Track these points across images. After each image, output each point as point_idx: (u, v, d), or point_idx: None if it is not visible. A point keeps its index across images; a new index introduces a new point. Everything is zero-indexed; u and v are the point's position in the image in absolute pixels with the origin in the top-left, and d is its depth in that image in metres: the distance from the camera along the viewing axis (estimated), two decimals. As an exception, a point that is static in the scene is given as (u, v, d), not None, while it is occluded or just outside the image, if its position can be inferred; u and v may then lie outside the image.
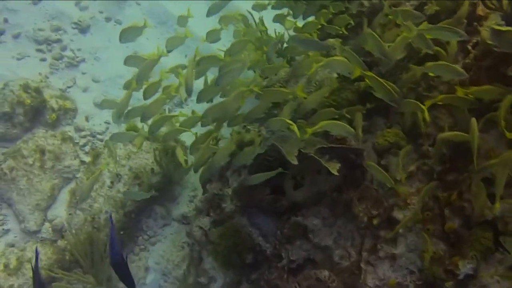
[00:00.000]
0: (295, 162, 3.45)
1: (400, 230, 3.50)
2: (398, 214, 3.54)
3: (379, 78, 3.33)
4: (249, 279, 4.24)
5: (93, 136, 5.88)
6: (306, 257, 3.92)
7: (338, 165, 3.50)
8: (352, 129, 3.39)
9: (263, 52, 4.77)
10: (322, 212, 3.89)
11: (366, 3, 4.76)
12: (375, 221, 3.51)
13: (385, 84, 3.29)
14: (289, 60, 5.18)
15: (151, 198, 5.26)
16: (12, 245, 5.15)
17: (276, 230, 4.13)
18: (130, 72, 5.66)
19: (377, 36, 3.46)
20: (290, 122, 3.69)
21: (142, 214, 5.31)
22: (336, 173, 3.48)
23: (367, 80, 3.40)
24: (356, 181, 3.77)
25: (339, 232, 3.81)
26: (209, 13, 4.73)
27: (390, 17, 4.17)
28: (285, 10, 4.94)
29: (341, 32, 4.50)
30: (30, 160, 5.37)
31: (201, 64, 4.07)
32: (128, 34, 4.28)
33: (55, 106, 5.88)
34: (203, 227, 4.62)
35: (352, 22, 4.62)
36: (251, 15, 5.36)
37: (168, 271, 5.06)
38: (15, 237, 5.22)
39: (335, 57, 3.49)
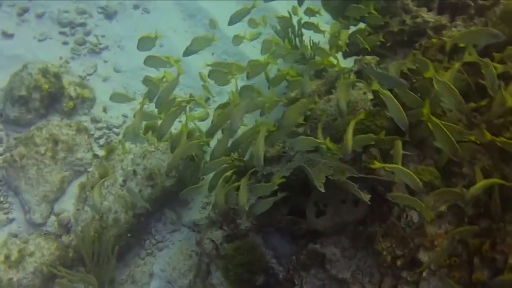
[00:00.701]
0: (323, 189, 3.39)
1: (424, 273, 3.42)
2: (423, 256, 3.47)
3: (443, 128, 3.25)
4: (258, 302, 4.21)
5: (109, 129, 5.88)
6: (321, 287, 3.87)
7: (369, 195, 3.43)
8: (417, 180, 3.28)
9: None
10: (343, 242, 3.84)
11: (408, 21, 4.68)
12: (399, 262, 3.44)
13: (450, 136, 3.21)
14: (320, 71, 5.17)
15: (163, 202, 5.27)
16: (15, 236, 5.18)
17: (292, 254, 4.09)
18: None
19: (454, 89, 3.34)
20: (321, 140, 3.66)
21: (151, 217, 5.29)
22: (368, 202, 3.42)
23: (429, 125, 3.31)
24: (382, 216, 3.70)
25: (358, 266, 3.75)
26: (231, 22, 4.79)
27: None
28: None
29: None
30: (42, 149, 5.38)
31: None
32: (144, 44, 4.33)
33: (73, 94, 5.88)
34: (215, 241, 4.58)
35: (382, 40, 4.66)
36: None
37: (174, 279, 5.04)
38: (19, 227, 5.26)
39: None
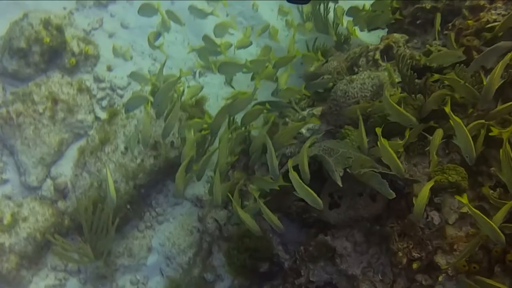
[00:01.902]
0: (340, 183, 3.34)
1: (440, 278, 3.40)
2: (441, 260, 3.44)
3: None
4: (260, 289, 4.24)
5: (113, 90, 5.81)
6: (328, 281, 3.89)
7: (393, 193, 3.36)
8: None
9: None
10: (356, 236, 3.82)
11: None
12: (415, 265, 3.41)
13: (469, 137, 3.15)
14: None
15: (166, 173, 5.25)
16: (9, 198, 5.20)
17: (300, 243, 4.08)
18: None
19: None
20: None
21: (153, 189, 5.29)
22: (392, 196, 3.36)
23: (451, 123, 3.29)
24: (400, 213, 3.66)
25: (369, 263, 3.75)
26: None
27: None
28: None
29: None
30: (40, 108, 5.33)
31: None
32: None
33: (76, 49, 5.78)
34: (219, 221, 4.61)
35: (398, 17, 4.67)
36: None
37: (173, 255, 5.07)
38: (13, 189, 5.28)
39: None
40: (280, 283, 4.11)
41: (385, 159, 3.36)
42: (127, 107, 4.31)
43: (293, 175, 3.43)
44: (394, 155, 3.32)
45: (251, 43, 5.31)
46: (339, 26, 5.50)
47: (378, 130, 3.44)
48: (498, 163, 3.30)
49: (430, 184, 3.27)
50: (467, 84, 3.52)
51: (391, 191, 3.33)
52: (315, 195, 3.34)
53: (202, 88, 5.43)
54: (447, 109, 3.34)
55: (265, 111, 4.43)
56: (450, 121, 3.27)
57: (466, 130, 3.19)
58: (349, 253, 3.79)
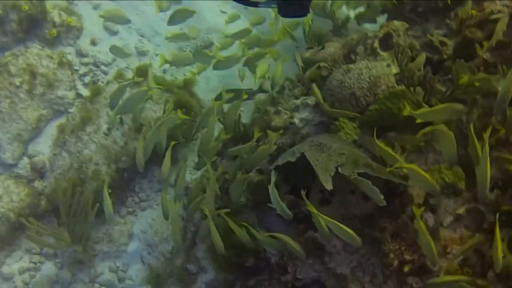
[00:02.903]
0: (330, 186, 3.33)
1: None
2: (433, 262, 3.47)
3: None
4: (245, 284, 4.27)
5: (97, 66, 5.74)
6: (316, 279, 3.91)
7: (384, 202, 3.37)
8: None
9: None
10: (346, 233, 3.83)
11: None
12: (406, 268, 3.44)
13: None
14: None
15: (150, 157, 5.22)
16: (-18, 175, 5.16)
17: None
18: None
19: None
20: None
21: (136, 173, 5.24)
22: (383, 204, 3.37)
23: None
24: (393, 212, 3.68)
25: (359, 263, 3.78)
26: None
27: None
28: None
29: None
30: (17, 81, 5.26)
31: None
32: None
33: (57, 19, 5.69)
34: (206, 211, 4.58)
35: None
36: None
37: (155, 243, 5.08)
38: (-14, 166, 5.22)
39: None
40: (266, 279, 4.13)
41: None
42: (111, 104, 4.35)
43: (273, 191, 3.61)
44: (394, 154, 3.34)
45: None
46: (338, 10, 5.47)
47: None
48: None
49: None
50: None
51: (382, 199, 3.33)
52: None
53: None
54: None
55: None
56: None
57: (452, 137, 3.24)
58: (338, 251, 3.81)
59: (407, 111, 3.41)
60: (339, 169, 3.38)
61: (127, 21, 5.49)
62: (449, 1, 4.31)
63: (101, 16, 5.53)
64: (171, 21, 5.33)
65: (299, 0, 3.04)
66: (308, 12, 3.16)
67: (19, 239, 5.09)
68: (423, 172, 3.25)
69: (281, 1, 3.08)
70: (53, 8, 5.73)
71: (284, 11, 3.15)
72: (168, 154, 4.33)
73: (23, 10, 5.48)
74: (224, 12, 5.92)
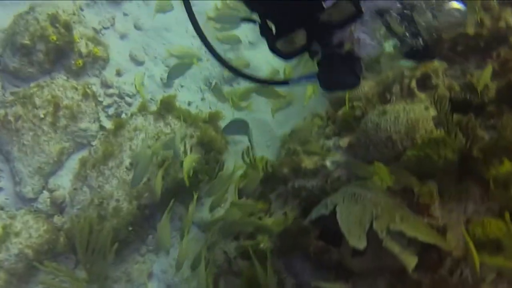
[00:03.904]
0: (363, 244, 3.20)
1: None
2: (472, 323, 3.31)
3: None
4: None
5: (121, 98, 5.73)
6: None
7: (415, 260, 3.23)
8: None
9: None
10: (379, 287, 3.69)
11: (487, 23, 4.39)
12: (444, 329, 3.29)
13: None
14: None
15: (172, 193, 5.16)
16: (2, 208, 5.16)
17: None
18: (179, 25, 5.52)
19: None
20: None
21: (157, 210, 5.19)
22: (410, 270, 3.23)
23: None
24: (430, 264, 3.52)
25: (392, 319, 3.61)
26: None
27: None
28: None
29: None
30: (41, 113, 5.26)
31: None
32: None
33: (83, 50, 5.72)
34: (228, 253, 4.49)
35: None
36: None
37: (175, 284, 4.99)
38: (6, 199, 5.22)
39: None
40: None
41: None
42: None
43: None
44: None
45: None
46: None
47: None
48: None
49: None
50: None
51: (411, 262, 3.21)
52: None
53: None
54: None
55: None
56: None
57: None
58: (371, 307, 3.67)
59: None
60: (373, 224, 3.26)
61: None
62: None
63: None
64: (170, 77, 5.52)
65: (348, 64, 2.29)
66: (359, 81, 2.40)
67: (36, 276, 5.03)
68: None
69: (322, 71, 2.35)
70: (81, 38, 5.76)
71: (328, 84, 2.44)
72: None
73: (51, 40, 5.51)
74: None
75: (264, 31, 2.13)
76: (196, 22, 2.37)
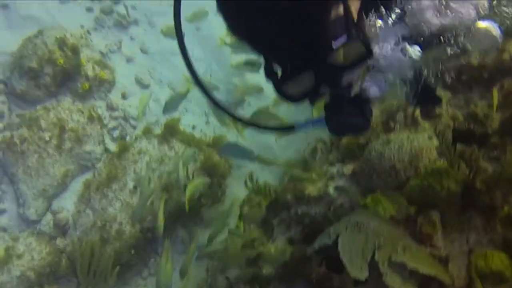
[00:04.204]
0: (364, 275, 3.20)
1: None
2: None
3: None
4: None
5: (126, 120, 5.76)
6: None
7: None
8: None
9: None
10: (381, 316, 3.67)
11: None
12: None
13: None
14: None
15: (175, 216, 5.17)
16: (5, 230, 5.15)
17: (318, 315, 3.95)
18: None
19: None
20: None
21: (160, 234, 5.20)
22: None
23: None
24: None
25: None
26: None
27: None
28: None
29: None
30: (46, 135, 5.29)
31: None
32: None
33: (90, 73, 5.77)
34: (230, 279, 4.48)
35: None
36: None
37: (176, 307, 4.96)
38: (10, 221, 5.21)
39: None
40: None
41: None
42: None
43: None
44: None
45: None
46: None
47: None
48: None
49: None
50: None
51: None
52: None
53: None
54: None
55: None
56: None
57: None
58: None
59: None
60: (375, 255, 3.26)
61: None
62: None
63: None
64: (167, 109, 5.58)
65: (357, 107, 2.18)
66: (370, 125, 2.27)
67: (36, 298, 5.03)
68: None
69: (330, 114, 2.23)
70: (88, 61, 5.81)
71: (337, 128, 2.31)
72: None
73: (58, 64, 5.56)
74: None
75: (269, 74, 1.98)
76: (188, 58, 2.14)
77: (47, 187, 5.24)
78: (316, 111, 2.44)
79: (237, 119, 2.47)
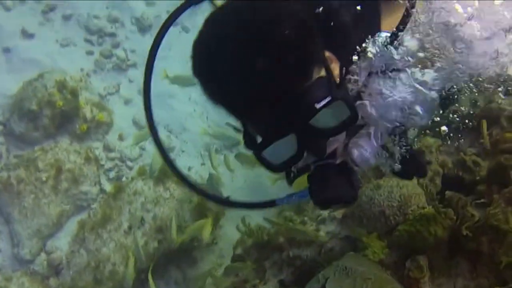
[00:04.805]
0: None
1: None
2: None
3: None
4: None
5: (122, 161, 5.84)
6: None
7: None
8: None
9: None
10: None
11: (481, 103, 4.53)
12: None
13: None
14: None
15: (168, 257, 5.20)
16: (-2, 270, 5.16)
17: None
18: (184, 93, 5.67)
19: None
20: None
21: (154, 274, 5.20)
22: None
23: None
24: None
25: None
26: None
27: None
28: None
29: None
30: (43, 176, 5.36)
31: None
32: None
33: (88, 115, 5.87)
34: (221, 321, 4.49)
35: None
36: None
37: None
38: (4, 261, 5.23)
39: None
40: None
41: None
42: None
43: None
44: None
45: None
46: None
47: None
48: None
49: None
50: None
51: None
52: None
53: None
54: None
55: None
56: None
57: None
58: None
59: None
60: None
61: None
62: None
63: None
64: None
65: (344, 177, 1.93)
66: (357, 197, 1.99)
67: None
68: None
69: (314, 185, 1.96)
70: (86, 104, 5.92)
71: (322, 200, 1.98)
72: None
73: (57, 106, 5.67)
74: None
75: (248, 142, 1.79)
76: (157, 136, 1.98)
77: (42, 227, 5.28)
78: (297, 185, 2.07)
79: (214, 200, 2.32)
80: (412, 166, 2.21)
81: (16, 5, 6.54)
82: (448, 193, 3.86)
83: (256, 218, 5.27)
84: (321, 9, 1.82)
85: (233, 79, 1.55)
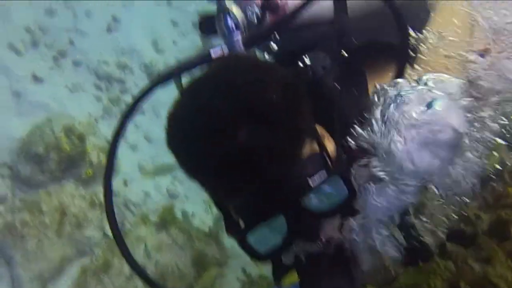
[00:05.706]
0: None
1: None
2: None
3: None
4: None
5: (126, 207, 5.89)
6: None
7: None
8: None
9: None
10: None
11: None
12: None
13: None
14: None
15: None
16: (-5, 315, 5.16)
17: None
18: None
19: None
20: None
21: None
22: None
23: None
24: None
25: None
26: None
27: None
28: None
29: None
30: (47, 220, 5.41)
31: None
32: None
33: (94, 160, 5.95)
34: None
35: None
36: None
37: None
38: (3, 305, 5.23)
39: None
40: None
41: None
42: None
43: None
44: None
45: None
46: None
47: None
48: None
49: None
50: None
51: None
52: None
53: None
54: None
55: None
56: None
57: None
58: None
59: None
60: None
61: None
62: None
63: None
64: None
65: (339, 269, 1.63)
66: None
67: None
68: None
69: (306, 277, 1.63)
70: (93, 149, 6.00)
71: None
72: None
73: (64, 151, 5.76)
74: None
75: (230, 228, 1.61)
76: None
77: (43, 272, 5.27)
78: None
79: None
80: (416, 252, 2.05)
81: (28, 49, 6.71)
82: (449, 245, 3.86)
83: (257, 268, 5.27)
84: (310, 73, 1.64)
85: (210, 153, 1.35)
